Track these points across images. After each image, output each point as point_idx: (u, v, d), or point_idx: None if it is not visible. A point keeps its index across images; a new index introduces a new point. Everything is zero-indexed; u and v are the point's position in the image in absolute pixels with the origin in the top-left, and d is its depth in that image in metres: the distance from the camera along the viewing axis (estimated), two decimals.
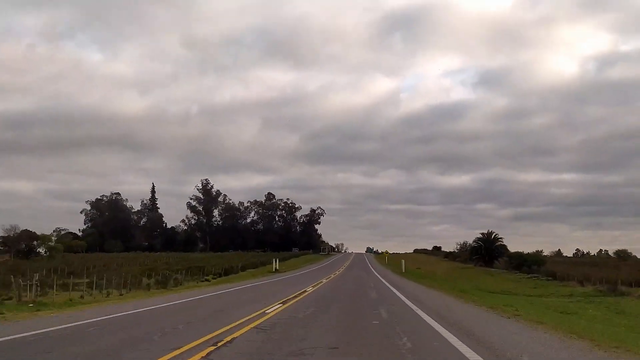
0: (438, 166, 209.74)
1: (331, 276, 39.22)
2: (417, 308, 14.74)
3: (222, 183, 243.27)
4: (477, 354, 7.48)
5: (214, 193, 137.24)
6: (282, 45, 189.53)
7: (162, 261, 63.73)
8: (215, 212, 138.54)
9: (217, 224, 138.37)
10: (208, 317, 12.66)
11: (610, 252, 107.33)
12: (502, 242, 74.69)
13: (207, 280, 39.68)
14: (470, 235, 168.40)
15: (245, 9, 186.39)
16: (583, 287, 42.42)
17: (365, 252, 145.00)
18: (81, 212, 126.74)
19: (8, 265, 51.64)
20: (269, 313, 12.96)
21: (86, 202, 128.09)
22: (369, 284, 30.25)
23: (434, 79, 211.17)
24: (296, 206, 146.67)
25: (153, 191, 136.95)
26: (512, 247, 76.50)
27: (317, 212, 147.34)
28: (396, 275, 45.47)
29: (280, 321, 11.40)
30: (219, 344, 8.22)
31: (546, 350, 8.14)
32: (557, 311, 21.30)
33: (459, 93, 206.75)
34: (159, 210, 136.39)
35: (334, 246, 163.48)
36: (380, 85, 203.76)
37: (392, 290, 24.18)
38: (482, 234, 75.39)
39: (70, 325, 11.09)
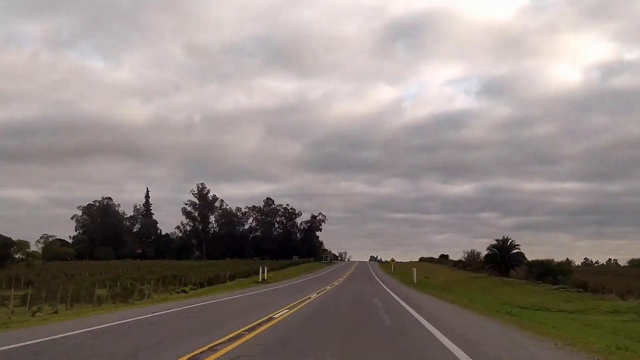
0: (441, 175, 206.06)
1: (326, 288, 33.12)
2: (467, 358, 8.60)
3: (225, 191, 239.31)
4: None
5: (210, 198, 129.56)
6: (285, 53, 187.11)
7: (144, 269, 57.66)
8: (212, 218, 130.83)
9: (214, 230, 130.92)
10: None
11: (620, 261, 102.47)
12: (519, 249, 68.36)
13: (184, 291, 33.80)
14: (473, 244, 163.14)
15: (247, 17, 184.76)
16: (624, 301, 36.81)
17: (369, 260, 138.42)
18: (72, 218, 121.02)
19: None
20: None
21: (77, 207, 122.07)
22: (375, 303, 21.29)
23: (437, 87, 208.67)
24: (296, 212, 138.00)
25: (147, 196, 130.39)
26: None
27: (318, 218, 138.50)
28: (407, 287, 39.34)
29: None
30: None
31: None
32: (634, 339, 15.48)
33: (462, 101, 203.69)
34: (158, 218, 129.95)
35: (337, 254, 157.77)
36: (383, 94, 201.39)
37: (409, 312, 18.14)
38: (497, 240, 68.96)
39: None
